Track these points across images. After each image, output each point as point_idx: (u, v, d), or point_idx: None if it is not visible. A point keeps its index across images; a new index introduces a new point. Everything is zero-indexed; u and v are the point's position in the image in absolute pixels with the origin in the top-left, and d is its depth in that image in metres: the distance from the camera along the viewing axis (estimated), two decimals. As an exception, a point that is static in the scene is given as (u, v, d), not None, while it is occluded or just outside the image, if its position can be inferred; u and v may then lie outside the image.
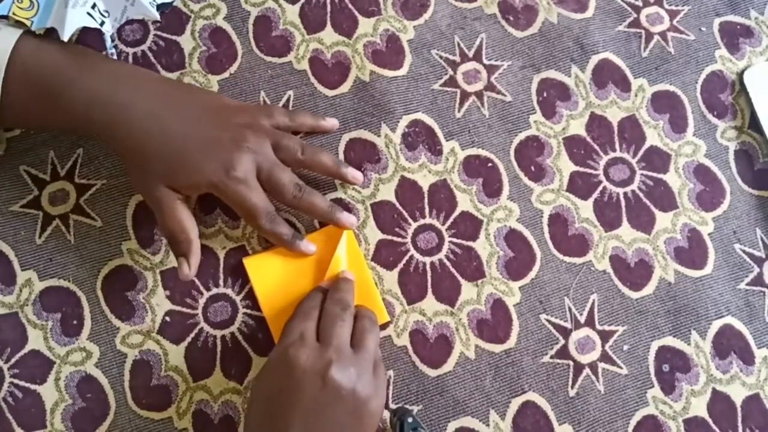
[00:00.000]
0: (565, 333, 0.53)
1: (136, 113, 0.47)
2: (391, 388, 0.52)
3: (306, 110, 0.56)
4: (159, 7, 0.53)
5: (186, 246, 0.49)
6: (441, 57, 0.58)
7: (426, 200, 0.55)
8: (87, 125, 0.48)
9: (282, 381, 0.44)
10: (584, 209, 0.56)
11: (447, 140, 0.56)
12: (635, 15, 0.60)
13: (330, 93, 0.57)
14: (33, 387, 0.50)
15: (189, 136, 0.48)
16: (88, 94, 0.47)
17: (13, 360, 0.50)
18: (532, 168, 0.56)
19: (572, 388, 0.52)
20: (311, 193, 0.51)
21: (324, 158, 0.52)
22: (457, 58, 0.58)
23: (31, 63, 0.47)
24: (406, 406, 0.51)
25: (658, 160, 0.57)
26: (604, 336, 0.53)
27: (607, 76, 0.59)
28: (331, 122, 0.55)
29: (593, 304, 0.54)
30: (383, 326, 0.52)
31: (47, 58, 0.48)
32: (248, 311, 0.52)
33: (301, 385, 0.43)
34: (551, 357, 0.53)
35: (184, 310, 0.52)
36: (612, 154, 0.57)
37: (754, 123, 0.58)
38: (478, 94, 0.58)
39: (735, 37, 0.60)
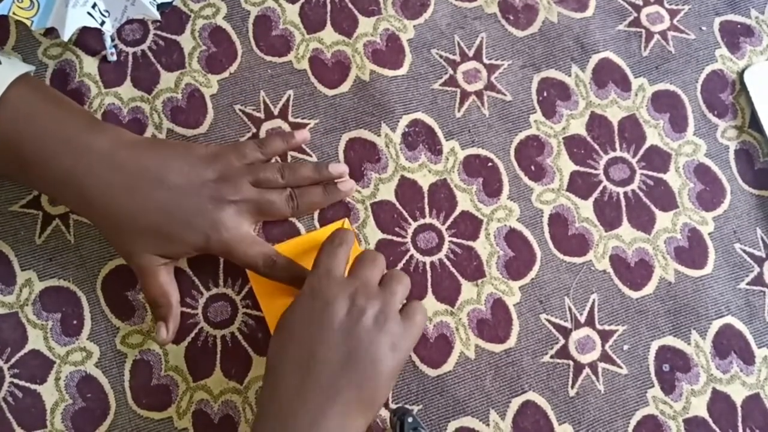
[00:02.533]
0: (565, 333, 0.53)
1: (112, 194, 0.47)
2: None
3: (274, 135, 0.54)
4: (159, 6, 0.53)
5: (166, 311, 0.49)
6: (441, 56, 0.58)
7: (426, 200, 0.55)
8: (61, 199, 0.50)
9: (308, 311, 0.45)
10: (584, 209, 0.56)
11: (447, 140, 0.56)
12: (635, 14, 0.60)
13: (330, 92, 0.57)
14: (33, 387, 0.50)
15: (169, 208, 0.48)
16: (63, 176, 0.47)
17: (13, 360, 0.50)
18: (532, 168, 0.56)
19: (572, 387, 0.52)
20: (304, 194, 0.52)
21: (304, 172, 0.52)
22: (457, 58, 0.58)
23: (11, 121, 0.46)
24: (406, 406, 0.51)
25: (658, 159, 0.57)
26: (604, 336, 0.53)
27: (607, 76, 0.59)
28: (301, 135, 0.54)
29: (593, 303, 0.54)
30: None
31: (28, 122, 0.47)
32: (248, 311, 0.52)
33: (327, 310, 0.44)
34: (551, 357, 0.53)
35: (184, 310, 0.52)
36: (612, 154, 0.57)
37: (755, 122, 0.58)
38: (478, 94, 0.58)
39: (735, 36, 0.60)
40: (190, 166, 0.49)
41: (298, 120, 0.56)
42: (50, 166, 0.47)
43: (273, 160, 0.54)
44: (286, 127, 0.56)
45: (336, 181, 0.53)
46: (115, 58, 0.55)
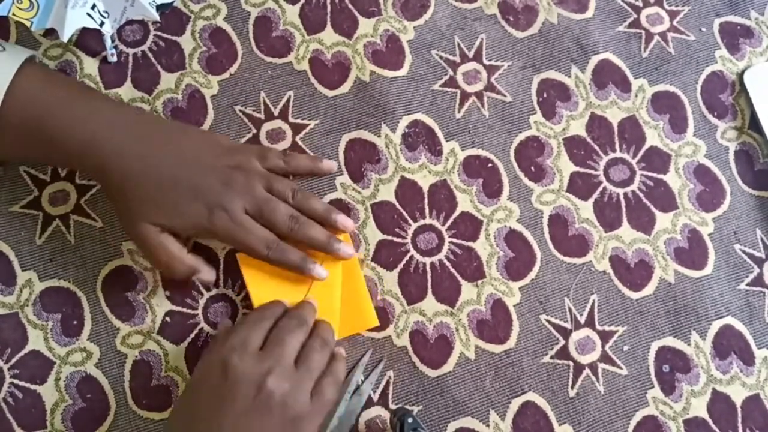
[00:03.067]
0: (565, 333, 0.53)
1: (129, 158, 0.47)
2: (391, 388, 0.52)
3: (303, 154, 0.55)
4: (158, 7, 0.53)
5: (183, 268, 0.49)
6: (441, 57, 0.58)
7: (426, 200, 0.55)
8: (79, 168, 0.50)
9: (215, 385, 0.44)
10: (584, 210, 0.56)
11: (447, 140, 0.56)
12: (635, 15, 0.60)
13: (330, 93, 0.57)
14: (33, 387, 0.50)
15: (179, 178, 0.48)
16: (83, 141, 0.47)
17: (13, 360, 0.50)
18: (532, 168, 0.56)
19: (572, 388, 0.52)
20: (308, 225, 0.51)
21: (314, 204, 0.52)
22: (457, 59, 0.58)
23: (27, 101, 0.47)
24: (406, 407, 0.51)
25: (658, 160, 0.57)
26: (604, 336, 0.53)
27: (607, 77, 0.59)
28: (329, 165, 0.54)
29: (593, 304, 0.54)
30: (378, 329, 0.52)
31: (44, 98, 0.47)
32: (248, 311, 0.52)
33: (235, 391, 0.43)
34: (551, 357, 0.53)
35: (185, 310, 0.52)
36: (612, 155, 0.57)
37: (755, 123, 0.58)
38: (478, 95, 0.58)
39: (735, 37, 0.60)
40: (211, 148, 0.50)
41: (299, 121, 0.56)
42: (72, 133, 0.47)
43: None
44: (286, 127, 0.56)
45: (339, 236, 0.52)
46: (115, 59, 0.56)
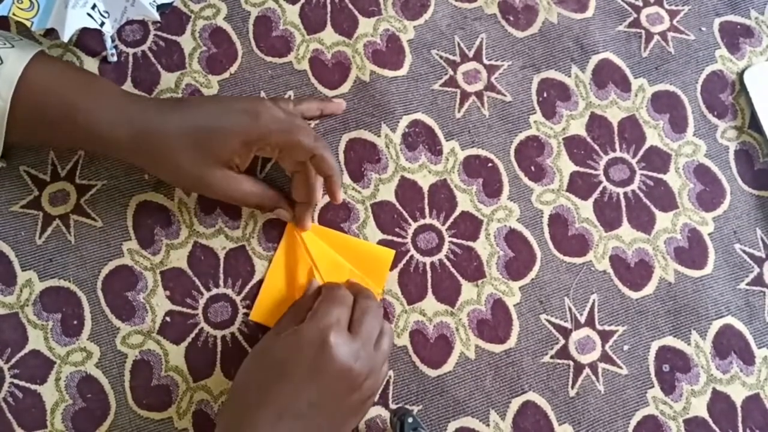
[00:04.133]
0: (566, 333, 0.53)
1: (164, 115, 0.48)
2: (391, 388, 0.52)
3: (312, 97, 0.56)
4: (159, 7, 0.53)
5: (267, 202, 0.51)
6: (441, 57, 0.58)
7: (426, 200, 0.55)
8: (111, 144, 0.48)
9: (312, 356, 0.45)
10: (584, 209, 0.56)
11: (447, 140, 0.56)
12: (635, 15, 0.60)
13: (330, 93, 0.57)
14: (33, 387, 0.50)
15: (210, 107, 0.49)
16: (110, 119, 0.48)
17: (13, 360, 0.50)
18: (532, 168, 0.56)
19: (572, 388, 0.52)
20: (327, 149, 0.50)
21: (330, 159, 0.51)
22: (457, 58, 0.58)
23: (45, 86, 0.47)
24: (406, 406, 0.51)
25: (658, 160, 0.57)
26: (605, 336, 0.53)
27: (607, 76, 0.59)
28: (338, 104, 0.55)
29: (593, 304, 0.54)
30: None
31: (62, 83, 0.48)
32: (248, 311, 0.52)
33: (329, 367, 0.44)
34: (551, 357, 0.53)
35: (185, 310, 0.52)
36: (612, 154, 0.57)
37: (755, 123, 0.58)
38: (478, 94, 0.58)
39: (735, 36, 0.60)
40: (228, 98, 0.53)
41: (299, 120, 0.56)
42: (94, 118, 0.47)
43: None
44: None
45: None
46: (115, 58, 0.56)
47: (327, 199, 0.54)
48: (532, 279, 0.54)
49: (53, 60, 0.51)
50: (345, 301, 0.48)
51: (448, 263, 0.54)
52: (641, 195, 0.56)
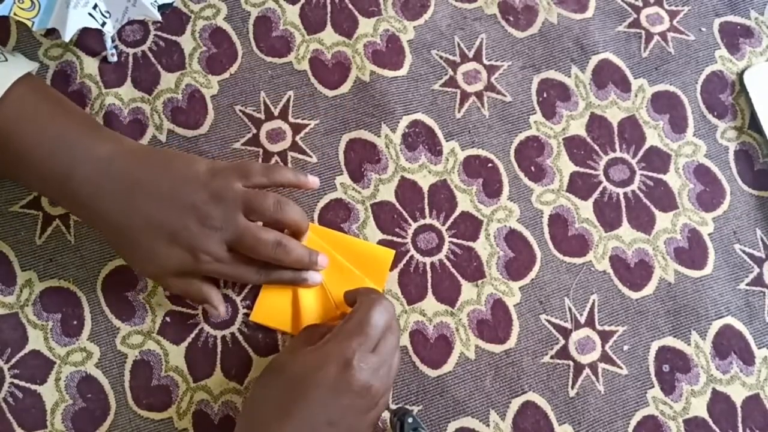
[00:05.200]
0: (565, 333, 0.53)
1: (107, 202, 0.47)
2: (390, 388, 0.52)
3: (285, 168, 0.53)
4: (160, 7, 0.53)
5: (198, 295, 0.50)
6: (441, 57, 0.58)
7: (426, 200, 0.55)
8: (58, 202, 0.50)
9: (334, 375, 0.44)
10: (584, 209, 0.56)
11: (447, 140, 0.56)
12: (635, 15, 0.60)
13: (330, 93, 0.57)
14: (33, 387, 0.50)
15: (156, 224, 0.47)
16: (61, 178, 0.47)
17: (13, 360, 0.50)
18: (532, 168, 0.56)
19: (572, 388, 0.52)
20: (291, 248, 0.49)
21: (293, 216, 0.50)
22: (457, 59, 0.58)
23: (10, 127, 0.46)
24: (406, 407, 0.51)
25: (658, 160, 0.57)
26: (604, 336, 0.53)
27: (607, 77, 0.59)
28: (313, 180, 0.53)
29: (593, 304, 0.54)
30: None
31: (27, 126, 0.47)
32: (248, 311, 0.52)
33: (349, 387, 0.44)
34: (551, 357, 0.53)
35: (185, 310, 0.52)
36: (612, 155, 0.57)
37: (754, 123, 0.58)
38: (478, 95, 0.58)
39: (735, 37, 0.60)
40: (185, 182, 0.48)
41: (299, 120, 0.56)
42: (48, 167, 0.47)
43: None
44: (286, 127, 0.56)
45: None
46: (115, 58, 0.56)
47: (327, 199, 0.55)
48: (532, 279, 0.54)
49: (35, 86, 0.49)
50: (373, 324, 0.46)
51: (448, 263, 0.54)
52: (641, 195, 0.56)
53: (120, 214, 0.47)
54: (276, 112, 0.56)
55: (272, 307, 0.52)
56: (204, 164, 0.49)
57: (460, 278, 0.54)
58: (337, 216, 0.54)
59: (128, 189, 0.47)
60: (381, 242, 0.54)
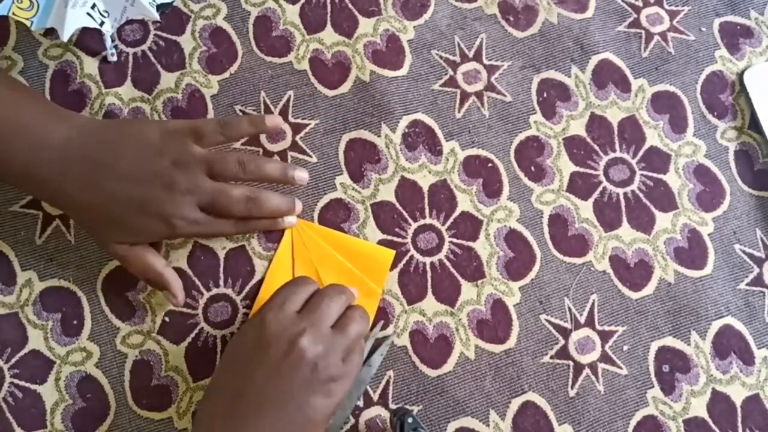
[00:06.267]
0: (565, 333, 0.53)
1: (71, 187, 0.46)
2: (391, 388, 0.52)
3: (240, 117, 0.52)
4: (159, 7, 0.53)
5: (158, 280, 0.49)
6: (441, 57, 0.58)
7: (426, 200, 0.55)
8: (29, 192, 0.50)
9: (252, 340, 0.45)
10: (584, 209, 0.56)
11: (447, 140, 0.56)
12: (635, 15, 0.60)
13: (330, 93, 0.57)
14: (33, 387, 0.50)
15: (122, 199, 0.47)
16: (24, 169, 0.46)
17: (13, 360, 0.50)
18: (532, 168, 0.56)
19: (572, 388, 0.52)
20: (264, 199, 0.50)
21: (268, 169, 0.50)
22: (457, 59, 0.58)
23: None
24: (406, 406, 0.51)
25: (658, 160, 0.57)
26: (604, 336, 0.53)
27: (607, 77, 0.59)
28: (272, 121, 0.51)
29: (593, 304, 0.54)
30: (379, 329, 0.52)
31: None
32: (248, 311, 0.52)
33: (268, 345, 0.44)
34: (551, 357, 0.53)
35: (184, 310, 0.52)
36: (612, 155, 0.57)
37: (754, 123, 0.58)
38: (478, 95, 0.58)
39: (735, 37, 0.60)
40: (142, 153, 0.47)
41: (299, 120, 0.56)
42: (10, 159, 0.46)
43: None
44: (286, 127, 0.56)
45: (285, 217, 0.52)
46: (115, 58, 0.56)
47: (327, 199, 0.55)
48: (532, 279, 0.54)
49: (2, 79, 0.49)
50: (299, 288, 0.47)
51: (448, 263, 0.54)
52: (641, 195, 0.56)
53: (85, 196, 0.47)
54: (276, 112, 0.56)
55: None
56: (155, 129, 0.48)
57: (460, 278, 0.54)
58: (337, 216, 0.54)
59: (89, 170, 0.47)
60: (381, 242, 0.54)
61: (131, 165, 0.47)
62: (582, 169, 0.57)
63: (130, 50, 0.56)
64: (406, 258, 0.54)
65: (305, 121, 0.56)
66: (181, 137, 0.48)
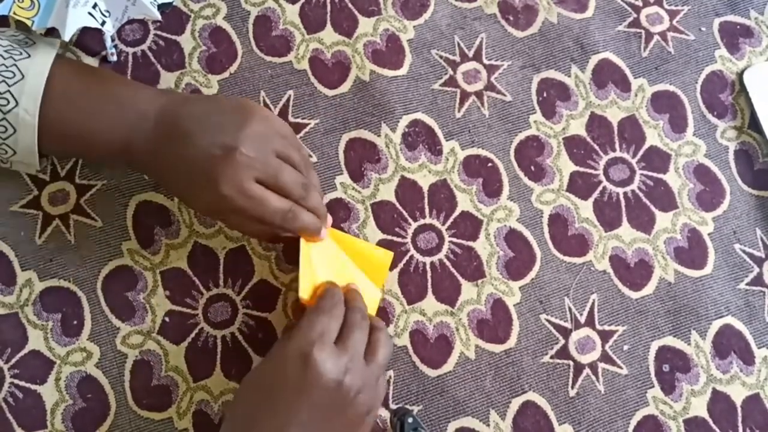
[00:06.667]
0: (565, 333, 0.53)
1: (164, 159, 0.47)
2: (391, 388, 0.52)
3: (316, 188, 0.50)
4: (160, 6, 0.53)
5: (283, 209, 0.47)
6: (441, 57, 0.58)
7: (426, 200, 0.55)
8: (127, 167, 0.50)
9: (295, 376, 0.43)
10: (584, 209, 0.56)
11: (447, 140, 0.56)
12: (635, 15, 0.60)
13: (330, 93, 0.57)
14: (33, 387, 0.50)
15: (207, 153, 0.46)
16: (121, 145, 0.47)
17: (13, 360, 0.50)
18: (532, 168, 0.56)
19: (572, 388, 0.52)
20: (314, 194, 0.49)
21: (311, 214, 0.48)
22: (457, 58, 0.58)
23: (62, 103, 0.47)
24: (407, 406, 0.51)
25: (658, 160, 0.57)
26: (604, 336, 0.53)
27: (607, 76, 0.59)
28: (328, 220, 0.51)
29: (593, 304, 0.54)
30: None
31: (77, 100, 0.47)
32: (248, 311, 0.52)
33: (315, 384, 0.43)
34: (551, 357, 0.53)
35: (185, 310, 0.52)
36: (612, 154, 0.57)
37: (754, 123, 0.58)
38: (478, 94, 0.58)
39: (735, 37, 0.60)
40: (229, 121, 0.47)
41: (299, 120, 0.56)
42: (107, 138, 0.47)
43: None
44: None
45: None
46: (115, 58, 0.55)
47: (327, 198, 0.55)
48: (532, 279, 0.54)
49: (70, 66, 0.49)
50: (333, 313, 0.46)
51: (448, 263, 0.54)
52: (641, 195, 0.56)
53: (179, 165, 0.46)
54: (276, 112, 0.56)
55: (314, 284, 0.50)
56: (261, 114, 0.48)
57: (460, 278, 0.54)
58: (337, 216, 0.54)
59: (181, 137, 0.46)
60: (381, 242, 0.54)
61: (212, 123, 0.47)
62: (582, 169, 0.57)
63: (130, 50, 0.56)
64: (406, 258, 0.54)
65: (305, 121, 0.56)
66: (273, 137, 0.47)
